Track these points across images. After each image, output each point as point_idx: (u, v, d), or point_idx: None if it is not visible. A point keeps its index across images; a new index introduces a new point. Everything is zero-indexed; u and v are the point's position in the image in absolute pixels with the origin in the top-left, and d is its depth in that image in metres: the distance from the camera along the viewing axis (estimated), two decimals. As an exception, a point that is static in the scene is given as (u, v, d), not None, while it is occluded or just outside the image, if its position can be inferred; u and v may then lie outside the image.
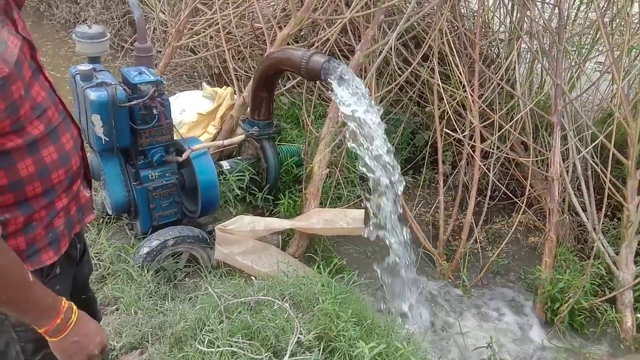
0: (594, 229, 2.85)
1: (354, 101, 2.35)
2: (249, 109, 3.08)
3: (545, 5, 3.40)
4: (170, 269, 2.61)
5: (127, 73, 2.49)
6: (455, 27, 3.54)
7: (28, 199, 1.12)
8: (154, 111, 2.45)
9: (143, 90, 2.43)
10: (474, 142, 2.98)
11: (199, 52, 4.40)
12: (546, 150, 3.08)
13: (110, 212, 2.70)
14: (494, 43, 3.94)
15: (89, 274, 1.59)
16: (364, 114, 2.31)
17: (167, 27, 4.46)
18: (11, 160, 1.06)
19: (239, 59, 4.14)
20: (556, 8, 3.09)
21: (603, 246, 2.84)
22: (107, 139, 2.38)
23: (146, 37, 3.21)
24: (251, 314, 2.04)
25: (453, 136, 3.06)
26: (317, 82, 3.18)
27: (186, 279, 2.58)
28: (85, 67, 2.37)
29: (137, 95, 2.42)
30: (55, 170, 1.14)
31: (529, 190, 3.12)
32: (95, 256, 2.62)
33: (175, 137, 2.83)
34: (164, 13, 4.28)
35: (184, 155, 2.66)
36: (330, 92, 2.42)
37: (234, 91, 3.47)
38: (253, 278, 2.36)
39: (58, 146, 1.14)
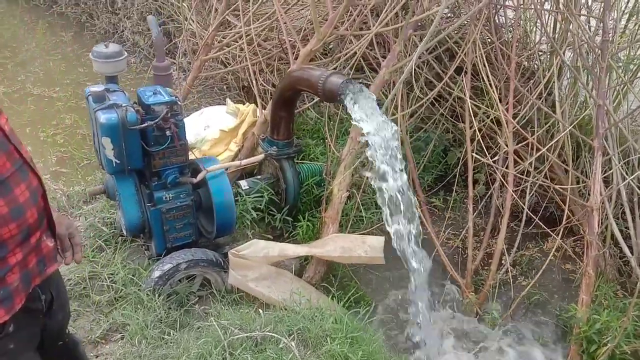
0: (639, 264, 2.59)
1: (372, 124, 2.22)
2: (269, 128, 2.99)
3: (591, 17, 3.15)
4: (182, 293, 2.55)
5: (142, 93, 2.45)
6: (491, 40, 3.34)
7: None
8: (167, 133, 2.40)
9: (157, 111, 2.38)
10: (507, 167, 2.78)
11: (229, 65, 4.35)
12: (587, 176, 2.83)
13: (125, 233, 2.67)
14: (534, 55, 3.69)
15: (64, 320, 1.51)
16: (381, 139, 2.17)
17: (197, 39, 4.44)
18: None
19: (269, 71, 4.07)
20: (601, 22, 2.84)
21: (649, 283, 2.58)
22: (117, 162, 2.34)
23: (164, 56, 3.17)
24: (254, 353, 1.94)
25: (482, 161, 2.85)
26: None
27: (196, 306, 2.51)
28: (97, 88, 2.33)
29: (150, 116, 2.37)
30: (5, 225, 1.07)
31: (568, 216, 2.89)
32: (109, 277, 2.59)
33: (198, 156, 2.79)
34: (192, 23, 4.25)
35: (199, 177, 2.59)
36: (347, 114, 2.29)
37: (258, 107, 3.39)
38: (260, 311, 2.25)
39: (9, 199, 1.07)
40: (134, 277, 2.55)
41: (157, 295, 2.44)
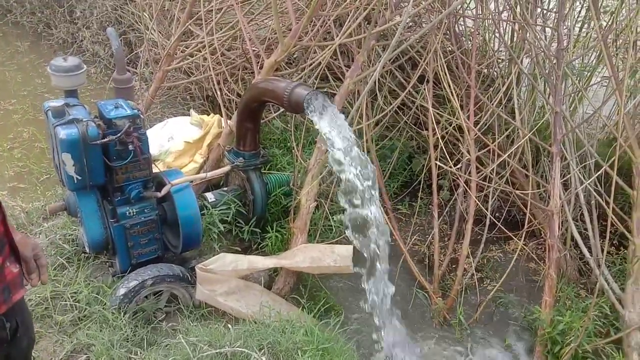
0: (598, 265, 2.68)
1: (337, 136, 2.23)
2: (234, 139, 2.97)
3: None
4: (149, 310, 2.50)
5: (102, 107, 2.40)
6: (451, 49, 3.41)
7: None
8: (130, 147, 2.35)
9: (119, 125, 2.33)
10: (470, 174, 2.84)
11: (193, 75, 4.30)
12: (547, 181, 2.92)
13: (88, 250, 2.60)
14: (493, 63, 3.79)
15: (29, 347, 1.46)
16: (347, 151, 2.19)
17: (159, 49, 4.38)
18: None
19: (233, 81, 4.05)
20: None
21: (607, 282, 2.67)
22: (79, 178, 2.28)
23: (125, 68, 3.11)
24: (224, 369, 1.92)
25: (445, 168, 2.91)
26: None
27: (163, 323, 2.46)
28: (56, 103, 2.27)
29: (112, 130, 2.32)
30: None
31: (529, 220, 2.97)
32: (72, 296, 2.52)
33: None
34: (154, 32, 4.18)
35: (163, 191, 2.55)
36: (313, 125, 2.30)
37: (223, 117, 3.36)
38: (230, 326, 2.23)
39: None
40: (98, 296, 2.48)
41: (122, 313, 2.38)
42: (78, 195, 2.47)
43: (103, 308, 2.42)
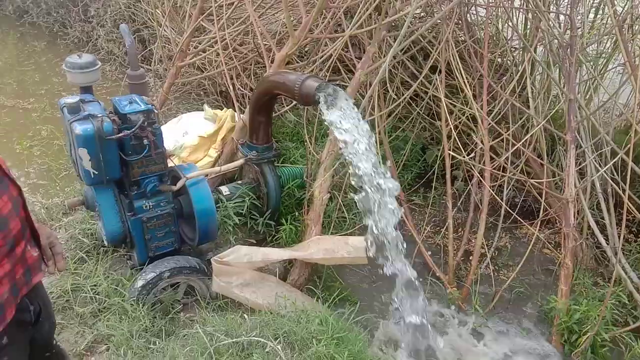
0: (615, 253, 2.66)
1: (349, 127, 2.24)
2: (248, 133, 2.99)
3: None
4: (167, 301, 2.54)
5: (117, 102, 2.43)
6: (463, 39, 3.39)
7: None
8: (145, 141, 2.39)
9: (133, 120, 2.36)
10: (484, 164, 2.82)
11: (206, 70, 4.34)
12: (562, 169, 2.90)
13: (106, 244, 2.65)
14: (506, 52, 3.76)
15: (51, 331, 1.51)
16: (357, 142, 2.20)
17: (172, 45, 4.42)
18: None
19: (246, 75, 4.07)
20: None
21: (625, 271, 2.65)
22: (95, 172, 2.32)
23: (138, 64, 3.15)
24: (241, 358, 1.95)
25: (459, 159, 2.89)
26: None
27: (181, 314, 2.50)
28: (72, 99, 2.31)
29: (127, 125, 2.36)
30: None
31: (545, 209, 2.95)
32: (92, 289, 2.57)
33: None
34: (166, 29, 4.22)
35: (179, 184, 2.58)
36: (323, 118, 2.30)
37: (236, 111, 3.38)
38: (245, 316, 2.26)
39: None
40: (118, 288, 2.53)
41: (141, 304, 2.43)
42: (95, 190, 2.52)
43: (122, 300, 2.47)
